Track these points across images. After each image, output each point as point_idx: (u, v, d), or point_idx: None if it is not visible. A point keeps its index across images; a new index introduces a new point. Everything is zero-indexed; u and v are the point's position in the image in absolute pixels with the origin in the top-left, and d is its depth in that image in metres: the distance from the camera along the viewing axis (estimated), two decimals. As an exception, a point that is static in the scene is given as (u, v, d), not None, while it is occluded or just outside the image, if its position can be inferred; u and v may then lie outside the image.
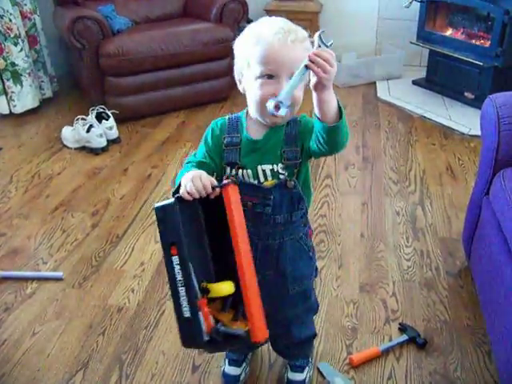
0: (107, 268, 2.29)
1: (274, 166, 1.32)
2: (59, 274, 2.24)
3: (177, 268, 1.16)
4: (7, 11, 3.52)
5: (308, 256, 1.49)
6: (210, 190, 1.19)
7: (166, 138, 3.45)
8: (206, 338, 1.15)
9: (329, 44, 1.10)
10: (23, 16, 3.73)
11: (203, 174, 1.21)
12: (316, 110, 1.17)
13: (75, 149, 3.31)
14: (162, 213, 1.19)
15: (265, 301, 1.29)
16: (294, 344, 1.68)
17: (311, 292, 1.60)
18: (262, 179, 1.34)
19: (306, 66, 1.10)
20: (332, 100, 1.15)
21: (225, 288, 1.18)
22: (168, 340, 1.92)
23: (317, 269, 1.59)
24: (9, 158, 3.26)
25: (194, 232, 1.22)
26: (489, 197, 1.89)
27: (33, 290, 2.17)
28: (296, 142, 1.32)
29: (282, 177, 1.33)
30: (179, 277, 1.16)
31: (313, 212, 2.61)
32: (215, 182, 1.21)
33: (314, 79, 1.11)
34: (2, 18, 3.51)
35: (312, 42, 1.17)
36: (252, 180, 1.34)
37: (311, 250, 1.50)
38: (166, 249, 1.18)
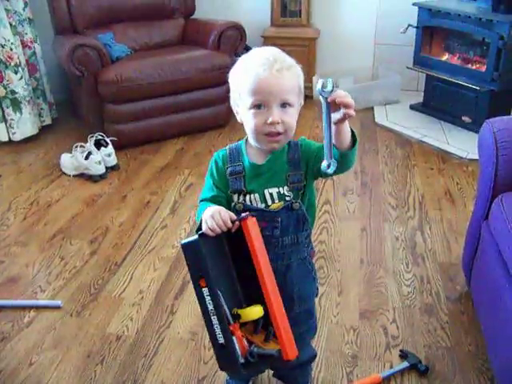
0: (106, 296, 2.28)
1: (280, 188, 1.36)
2: (57, 302, 2.22)
3: (208, 299, 1.23)
4: (8, 40, 3.55)
5: (312, 276, 1.52)
6: (229, 224, 1.24)
7: (165, 165, 3.46)
8: (242, 361, 1.24)
9: (334, 88, 1.14)
10: (24, 45, 3.77)
11: (222, 209, 1.26)
12: (333, 140, 1.21)
13: (74, 176, 3.31)
14: (188, 249, 1.26)
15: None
16: (296, 366, 1.67)
17: (314, 310, 1.62)
18: (269, 202, 1.37)
19: (329, 107, 1.14)
20: (348, 130, 1.21)
21: (254, 312, 1.26)
22: (168, 369, 1.90)
23: (317, 288, 1.60)
24: (7, 185, 3.26)
25: (221, 262, 1.29)
26: (488, 221, 1.88)
27: (30, 319, 2.15)
28: (300, 165, 1.36)
29: (288, 199, 1.36)
30: (210, 307, 1.23)
31: (312, 238, 2.59)
32: (234, 216, 1.26)
33: (337, 115, 1.15)
34: (3, 47, 3.54)
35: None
36: (260, 204, 1.37)
37: (314, 270, 1.53)
38: (195, 282, 1.25)
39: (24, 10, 3.73)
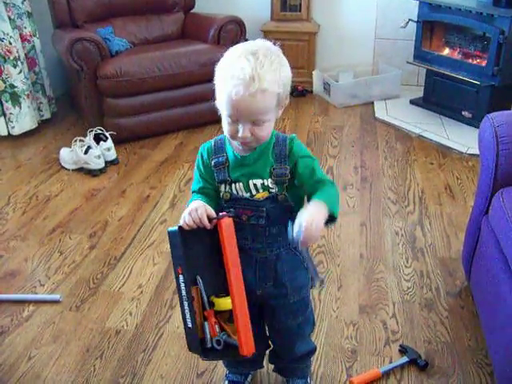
0: (105, 290, 2.27)
1: (265, 180, 1.36)
2: (56, 296, 2.22)
3: (182, 285, 1.31)
4: (7, 34, 3.53)
5: (303, 266, 1.51)
6: (205, 221, 1.30)
7: (164, 159, 3.45)
8: (209, 345, 1.33)
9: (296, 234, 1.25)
10: (23, 39, 3.75)
11: (201, 207, 1.31)
12: None
13: (73, 170, 3.31)
14: (170, 237, 1.33)
15: (267, 314, 1.56)
16: (295, 359, 1.69)
17: (308, 301, 1.61)
18: (253, 192, 1.38)
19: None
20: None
21: (225, 303, 1.33)
22: (166, 363, 1.90)
23: (313, 279, 1.59)
24: (6, 180, 3.25)
25: (204, 252, 1.36)
26: (488, 216, 1.88)
27: (30, 313, 2.15)
28: (286, 161, 1.36)
29: (272, 191, 1.37)
30: (183, 293, 1.31)
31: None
32: (213, 214, 1.32)
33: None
34: (2, 40, 3.52)
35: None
36: (244, 193, 1.38)
37: (305, 260, 1.52)
38: (174, 269, 1.33)
39: (23, 3, 3.71)
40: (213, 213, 1.32)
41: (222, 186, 1.40)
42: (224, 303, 1.34)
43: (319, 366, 1.87)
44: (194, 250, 1.33)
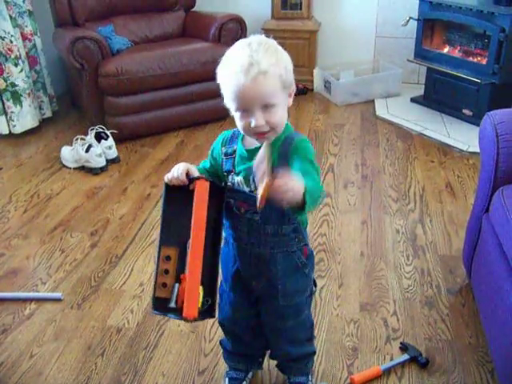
0: (106, 288, 2.28)
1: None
2: (58, 294, 2.23)
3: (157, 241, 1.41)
4: (8, 33, 3.54)
5: (302, 272, 1.50)
6: (183, 178, 1.36)
7: (166, 158, 3.46)
8: (172, 306, 1.35)
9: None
10: (24, 37, 3.76)
11: (183, 165, 1.38)
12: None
13: (74, 169, 3.31)
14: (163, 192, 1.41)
15: (260, 307, 1.58)
16: (291, 359, 1.70)
17: (303, 307, 1.60)
18: (252, 187, 1.37)
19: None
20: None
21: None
22: (168, 361, 1.91)
23: (314, 285, 1.59)
24: (8, 178, 3.26)
25: (187, 211, 1.37)
26: (489, 214, 1.88)
27: (31, 311, 2.16)
28: (287, 161, 1.33)
29: None
30: (157, 248, 1.39)
31: (312, 231, 2.60)
32: (195, 174, 1.38)
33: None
34: (3, 39, 3.53)
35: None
36: (245, 187, 1.38)
37: (307, 268, 1.51)
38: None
39: (24, 2, 3.72)
40: (194, 173, 1.38)
41: (227, 176, 1.42)
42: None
43: (320, 364, 1.87)
44: (185, 215, 1.35)
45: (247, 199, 1.38)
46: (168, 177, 1.38)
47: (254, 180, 1.36)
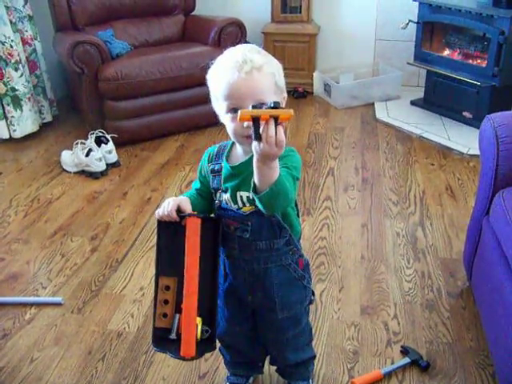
0: (107, 293, 2.28)
1: (250, 194, 1.28)
2: (58, 299, 2.22)
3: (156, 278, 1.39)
4: (8, 37, 3.54)
5: (300, 284, 1.49)
6: (173, 215, 1.33)
7: (166, 162, 3.46)
8: (173, 337, 1.35)
9: None
10: (24, 42, 3.77)
11: (173, 202, 1.35)
12: (255, 178, 1.17)
13: (74, 173, 3.31)
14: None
15: (258, 321, 1.56)
16: (291, 365, 1.69)
17: (302, 317, 1.59)
18: (240, 205, 1.35)
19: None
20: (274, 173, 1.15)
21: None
22: (168, 365, 1.90)
23: (313, 294, 1.58)
24: (8, 183, 3.26)
25: (182, 243, 1.35)
26: (489, 216, 1.88)
27: (32, 316, 2.15)
28: None
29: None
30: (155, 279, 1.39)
31: (313, 234, 2.60)
32: (187, 211, 1.35)
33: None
34: (3, 44, 3.53)
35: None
36: (232, 205, 1.36)
37: (304, 279, 1.50)
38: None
39: (24, 7, 3.72)
40: (188, 209, 1.35)
41: (215, 194, 1.40)
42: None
43: (321, 368, 1.87)
44: (181, 246, 1.34)
45: (236, 218, 1.36)
46: (159, 213, 1.35)
47: (241, 198, 1.34)
